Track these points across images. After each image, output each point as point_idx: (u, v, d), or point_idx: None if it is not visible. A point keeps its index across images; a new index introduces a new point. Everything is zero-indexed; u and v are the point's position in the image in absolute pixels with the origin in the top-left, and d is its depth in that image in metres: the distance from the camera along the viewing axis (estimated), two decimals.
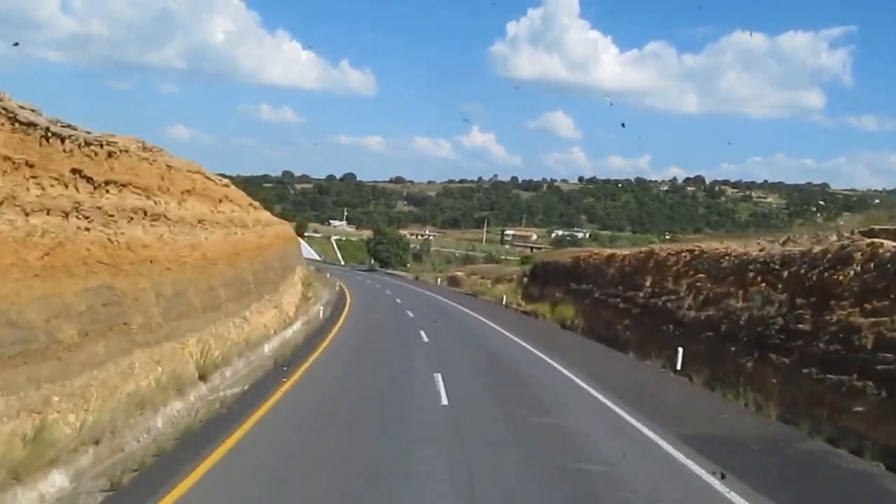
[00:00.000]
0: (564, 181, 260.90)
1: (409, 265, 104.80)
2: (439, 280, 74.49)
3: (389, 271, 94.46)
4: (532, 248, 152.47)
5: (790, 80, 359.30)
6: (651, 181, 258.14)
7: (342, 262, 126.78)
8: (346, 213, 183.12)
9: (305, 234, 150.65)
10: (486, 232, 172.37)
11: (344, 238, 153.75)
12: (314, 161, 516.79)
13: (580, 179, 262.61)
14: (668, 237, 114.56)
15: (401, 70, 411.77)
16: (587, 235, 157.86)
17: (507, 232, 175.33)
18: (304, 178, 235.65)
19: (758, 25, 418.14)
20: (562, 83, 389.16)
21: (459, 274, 70.57)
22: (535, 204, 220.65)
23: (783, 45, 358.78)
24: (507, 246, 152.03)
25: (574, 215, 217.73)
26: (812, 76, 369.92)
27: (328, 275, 57.77)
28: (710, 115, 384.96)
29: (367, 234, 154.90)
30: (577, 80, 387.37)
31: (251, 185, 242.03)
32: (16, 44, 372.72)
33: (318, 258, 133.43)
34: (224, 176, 22.57)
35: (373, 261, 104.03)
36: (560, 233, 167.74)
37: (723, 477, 9.72)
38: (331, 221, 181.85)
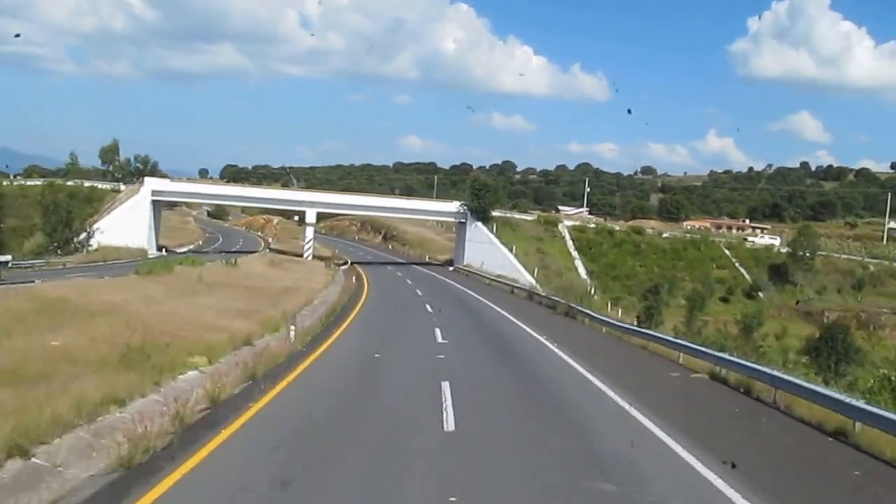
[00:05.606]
0: (865, 169, 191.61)
1: None
2: None
3: None
4: None
5: None
6: None
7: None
8: (587, 190, 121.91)
9: (493, 213, 71.96)
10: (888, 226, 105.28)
11: (588, 227, 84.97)
12: (542, 158, 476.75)
13: (892, 166, 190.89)
14: None
15: (634, 73, 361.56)
16: None
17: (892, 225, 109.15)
18: (530, 171, 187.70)
19: None
20: (809, 81, 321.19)
21: None
22: (849, 195, 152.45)
23: None
24: None
25: None
26: None
27: None
28: None
29: (653, 225, 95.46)
30: (827, 77, 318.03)
31: (456, 172, 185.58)
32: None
33: (525, 279, 58.36)
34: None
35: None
36: None
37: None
38: (559, 208, 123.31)
